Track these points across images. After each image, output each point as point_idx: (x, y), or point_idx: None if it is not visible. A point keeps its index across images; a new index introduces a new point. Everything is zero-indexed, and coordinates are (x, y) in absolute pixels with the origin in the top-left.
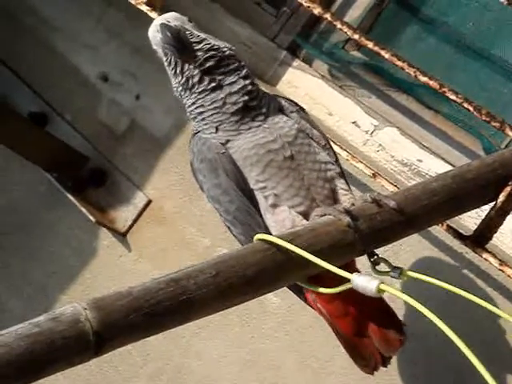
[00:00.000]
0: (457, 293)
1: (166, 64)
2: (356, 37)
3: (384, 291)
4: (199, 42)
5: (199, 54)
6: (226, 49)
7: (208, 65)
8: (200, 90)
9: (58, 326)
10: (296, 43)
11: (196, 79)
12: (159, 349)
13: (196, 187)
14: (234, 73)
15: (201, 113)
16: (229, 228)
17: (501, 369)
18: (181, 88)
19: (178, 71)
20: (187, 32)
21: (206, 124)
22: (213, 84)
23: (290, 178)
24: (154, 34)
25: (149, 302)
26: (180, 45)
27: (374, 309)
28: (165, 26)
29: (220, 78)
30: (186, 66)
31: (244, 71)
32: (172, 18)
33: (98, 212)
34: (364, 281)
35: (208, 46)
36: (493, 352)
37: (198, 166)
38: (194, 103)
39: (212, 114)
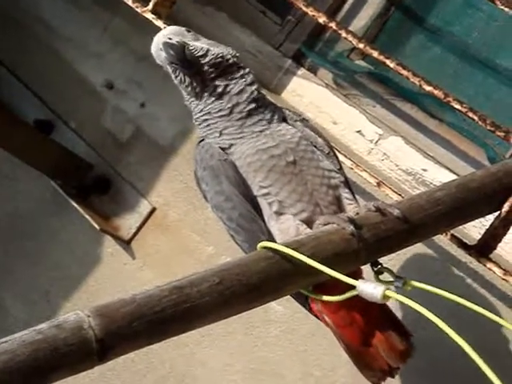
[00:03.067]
0: (461, 303)
1: (173, 78)
2: (361, 46)
3: (390, 297)
4: (204, 55)
5: (205, 66)
6: (229, 56)
7: (214, 74)
8: (207, 97)
9: (61, 333)
10: (301, 52)
11: (204, 88)
12: (162, 357)
13: (200, 195)
14: (240, 80)
15: (206, 119)
16: (232, 237)
17: (506, 379)
18: (189, 97)
19: (186, 85)
20: (190, 47)
21: (210, 129)
22: (219, 90)
23: (293, 183)
24: (158, 52)
25: (152, 310)
26: (185, 61)
27: (380, 318)
28: (168, 45)
29: (226, 84)
30: (194, 79)
31: (249, 78)
32: (172, 33)
33: (102, 219)
34: (369, 287)
35: (213, 56)
36: (498, 362)
37: (201, 174)
38: (201, 110)
39: (217, 122)
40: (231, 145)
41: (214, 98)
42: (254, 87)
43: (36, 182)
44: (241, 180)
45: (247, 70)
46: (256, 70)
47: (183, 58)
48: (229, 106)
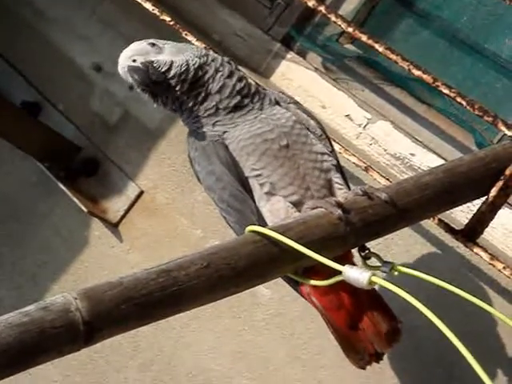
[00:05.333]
0: (448, 289)
1: (147, 97)
2: (350, 30)
3: (375, 283)
4: (168, 69)
5: (173, 79)
6: (195, 60)
7: (187, 84)
8: (190, 105)
9: (48, 315)
10: (290, 35)
11: (181, 99)
12: (150, 339)
13: (188, 179)
14: (217, 75)
15: (196, 121)
16: (225, 218)
17: (491, 361)
18: (169, 108)
19: (160, 101)
20: (154, 64)
21: (201, 125)
22: (201, 96)
23: (286, 166)
24: (125, 74)
25: (139, 293)
26: (152, 83)
27: (368, 303)
28: (132, 70)
29: (204, 88)
30: (166, 94)
31: (226, 69)
32: (136, 53)
33: (90, 202)
34: (355, 273)
35: (177, 68)
36: (483, 345)
37: (194, 154)
38: (188, 117)
39: (207, 119)
40: (224, 132)
41: (197, 103)
42: (234, 78)
43: (23, 164)
44: (232, 161)
45: (219, 60)
46: (245, 53)
47: (149, 82)
48: (213, 104)
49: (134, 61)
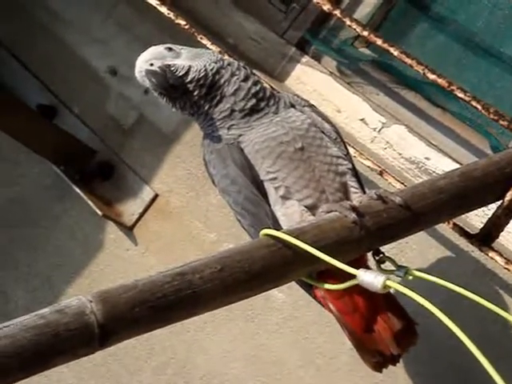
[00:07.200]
0: (462, 294)
1: (164, 101)
2: (365, 34)
3: (390, 287)
4: (186, 73)
5: (190, 83)
6: (213, 65)
7: (204, 89)
8: (206, 108)
9: (63, 318)
10: (305, 39)
11: (198, 104)
12: (164, 343)
13: (203, 182)
14: (233, 78)
15: (211, 124)
16: (240, 222)
17: (506, 366)
18: (187, 112)
19: (177, 106)
20: (172, 68)
21: (217, 128)
22: (216, 99)
23: (301, 169)
24: (142, 78)
25: (154, 296)
26: (170, 86)
27: (384, 305)
28: (150, 73)
29: (220, 91)
30: (183, 100)
31: (242, 73)
32: (153, 57)
33: (105, 205)
34: (370, 277)
35: (196, 72)
36: (498, 350)
37: (209, 157)
38: (204, 120)
39: (222, 122)
40: (240, 135)
41: (212, 106)
42: (250, 82)
43: (39, 167)
44: (247, 164)
45: (236, 65)
46: (260, 57)
47: (166, 85)
48: (227, 106)
49: (152, 65)
